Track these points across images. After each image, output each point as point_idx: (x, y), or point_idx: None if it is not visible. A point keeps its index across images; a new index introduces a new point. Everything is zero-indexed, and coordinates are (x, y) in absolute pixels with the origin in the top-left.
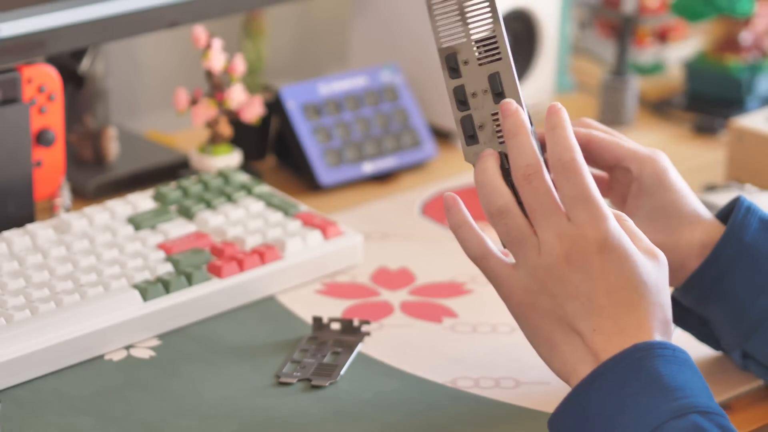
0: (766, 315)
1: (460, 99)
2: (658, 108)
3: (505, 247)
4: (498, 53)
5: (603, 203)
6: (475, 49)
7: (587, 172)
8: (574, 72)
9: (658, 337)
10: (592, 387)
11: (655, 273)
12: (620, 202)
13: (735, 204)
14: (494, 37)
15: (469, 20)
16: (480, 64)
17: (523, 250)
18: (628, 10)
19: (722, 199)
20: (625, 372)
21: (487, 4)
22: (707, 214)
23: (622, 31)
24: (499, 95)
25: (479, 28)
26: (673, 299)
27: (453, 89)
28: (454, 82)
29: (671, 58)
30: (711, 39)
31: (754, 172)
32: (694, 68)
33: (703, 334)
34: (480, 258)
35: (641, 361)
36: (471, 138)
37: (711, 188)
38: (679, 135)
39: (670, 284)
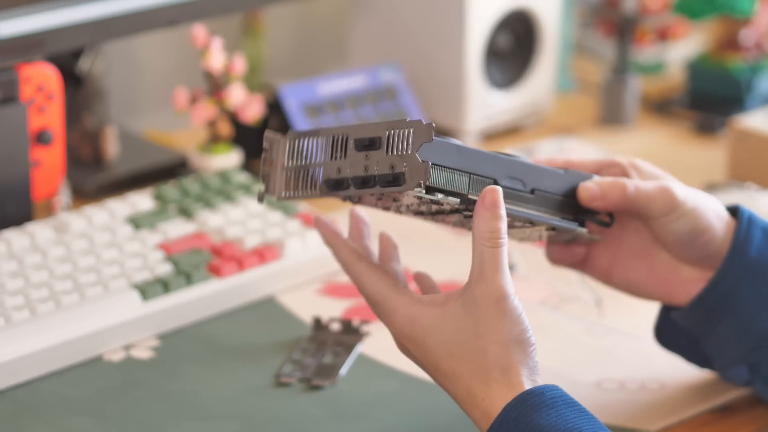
0: None
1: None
2: (659, 107)
3: None
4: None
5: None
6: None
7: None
8: (575, 71)
9: (524, 377)
10: None
11: (456, 320)
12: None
13: (735, 215)
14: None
15: None
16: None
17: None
18: (629, 10)
19: (723, 199)
20: None
21: None
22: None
23: (623, 30)
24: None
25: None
26: (668, 320)
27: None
28: None
29: (672, 58)
30: (712, 38)
31: (754, 172)
32: (695, 68)
33: (693, 355)
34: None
35: (518, 421)
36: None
37: (712, 187)
38: (680, 134)
39: (676, 301)
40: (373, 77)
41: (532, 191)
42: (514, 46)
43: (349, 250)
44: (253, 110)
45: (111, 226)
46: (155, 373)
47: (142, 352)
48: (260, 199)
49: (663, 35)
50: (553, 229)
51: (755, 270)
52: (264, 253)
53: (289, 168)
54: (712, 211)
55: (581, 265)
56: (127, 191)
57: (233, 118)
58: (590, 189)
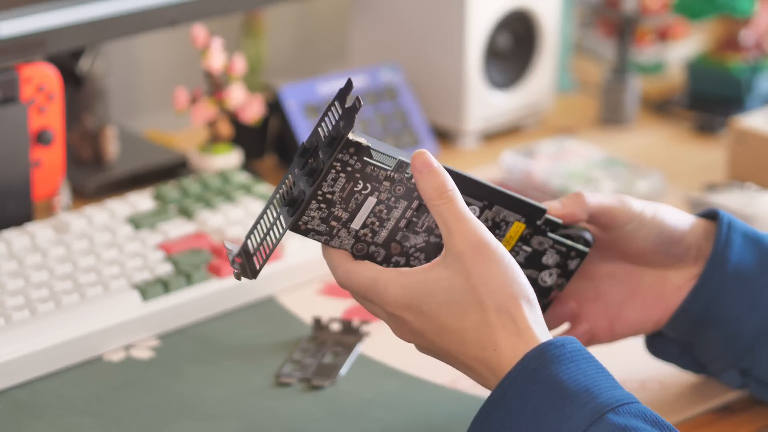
0: (760, 332)
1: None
2: (659, 107)
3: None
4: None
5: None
6: None
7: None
8: (575, 72)
9: (531, 322)
10: (498, 407)
11: (479, 268)
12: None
13: (714, 219)
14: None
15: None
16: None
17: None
18: (629, 10)
19: (723, 198)
20: (525, 387)
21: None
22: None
23: (623, 30)
24: None
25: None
26: (656, 332)
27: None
28: None
29: (672, 58)
30: (712, 38)
31: (754, 172)
32: (695, 68)
33: (686, 362)
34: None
35: (537, 372)
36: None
37: (712, 188)
38: (680, 134)
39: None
40: (373, 77)
41: (491, 206)
42: (514, 46)
43: (338, 254)
44: (253, 110)
45: (111, 226)
46: (155, 373)
47: (142, 352)
48: (238, 278)
49: (663, 35)
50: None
51: (736, 276)
52: None
53: (256, 249)
54: (670, 212)
55: (586, 340)
56: (127, 191)
57: (233, 118)
58: (550, 205)
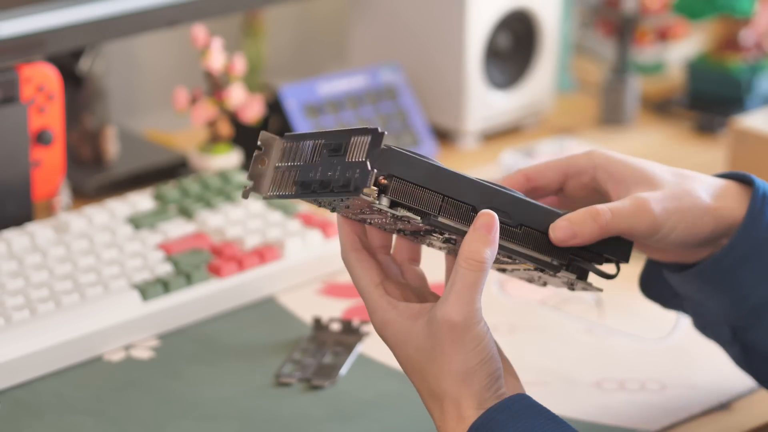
0: (764, 303)
1: None
2: (659, 107)
3: None
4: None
5: (370, 298)
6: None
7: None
8: (575, 71)
9: (473, 410)
10: None
11: (421, 339)
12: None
13: (750, 187)
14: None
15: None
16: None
17: None
18: (629, 10)
19: None
20: None
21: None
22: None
23: (623, 30)
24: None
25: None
26: (655, 273)
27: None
28: None
29: (672, 58)
30: (712, 38)
31: (754, 172)
32: (695, 68)
33: (674, 305)
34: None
35: None
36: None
37: None
38: (680, 134)
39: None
40: (373, 77)
41: (520, 226)
42: (514, 46)
43: (349, 237)
44: (253, 110)
45: (111, 226)
46: (155, 373)
47: (142, 352)
48: (245, 195)
49: (663, 35)
50: (541, 270)
51: (762, 246)
52: (264, 253)
53: (279, 168)
54: (699, 204)
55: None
56: (127, 191)
57: (233, 118)
58: (562, 229)
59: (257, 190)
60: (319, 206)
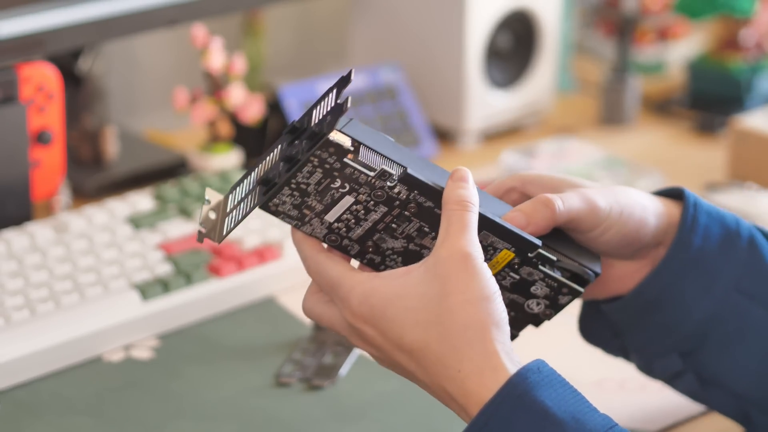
0: (711, 315)
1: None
2: (659, 107)
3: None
4: None
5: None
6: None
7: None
8: (575, 71)
9: (505, 358)
10: None
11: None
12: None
13: (680, 198)
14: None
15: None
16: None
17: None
18: (629, 10)
19: (723, 198)
20: (510, 414)
21: None
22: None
23: (623, 30)
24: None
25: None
26: (592, 313)
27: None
28: None
29: (672, 58)
30: (712, 38)
31: (754, 172)
32: (696, 68)
33: (614, 348)
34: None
35: (522, 399)
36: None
37: (712, 187)
38: (680, 134)
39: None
40: (373, 77)
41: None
42: (514, 46)
43: (310, 242)
44: (253, 110)
45: (111, 226)
46: (155, 373)
47: (142, 353)
48: (200, 239)
49: (663, 35)
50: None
51: (698, 259)
52: (264, 253)
53: (231, 209)
54: (638, 208)
55: None
56: (127, 191)
57: (233, 118)
58: (515, 219)
59: (212, 237)
60: (283, 220)
